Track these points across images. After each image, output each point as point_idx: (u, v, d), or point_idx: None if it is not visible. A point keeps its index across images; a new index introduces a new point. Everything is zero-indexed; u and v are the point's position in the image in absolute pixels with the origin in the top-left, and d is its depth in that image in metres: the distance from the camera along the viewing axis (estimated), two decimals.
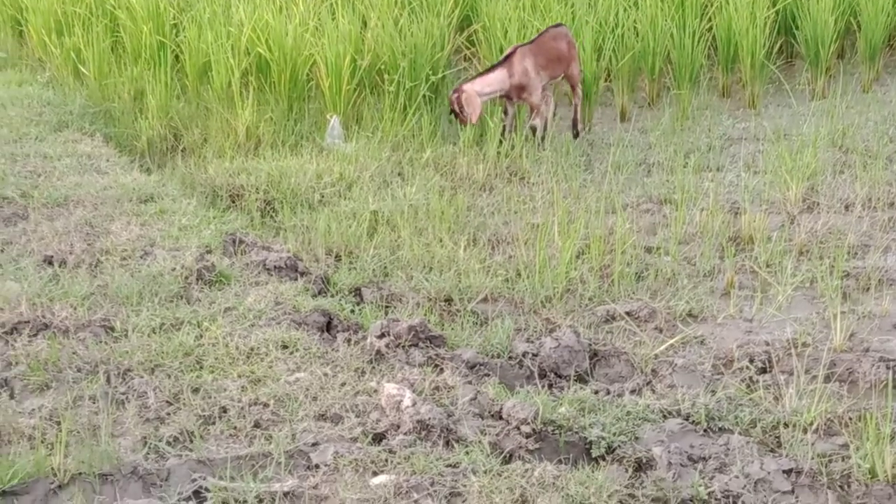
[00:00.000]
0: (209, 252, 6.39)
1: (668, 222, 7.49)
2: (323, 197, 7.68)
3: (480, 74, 9.13)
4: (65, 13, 11.37)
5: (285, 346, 5.28)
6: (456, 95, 8.88)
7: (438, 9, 10.40)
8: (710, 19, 10.77)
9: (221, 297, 5.82)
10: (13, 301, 5.60)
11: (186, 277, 5.98)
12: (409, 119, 9.10)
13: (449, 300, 6.28)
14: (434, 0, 10.64)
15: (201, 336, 5.34)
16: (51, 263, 6.19)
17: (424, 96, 9.44)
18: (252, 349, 5.22)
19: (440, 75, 9.69)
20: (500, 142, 8.74)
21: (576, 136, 9.62)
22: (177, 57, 10.23)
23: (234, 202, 7.65)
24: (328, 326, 5.68)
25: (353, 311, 5.97)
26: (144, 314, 5.55)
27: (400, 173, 8.27)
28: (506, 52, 9.29)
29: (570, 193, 7.91)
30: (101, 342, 5.29)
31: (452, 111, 8.97)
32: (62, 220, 6.80)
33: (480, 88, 8.96)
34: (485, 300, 6.26)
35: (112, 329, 5.43)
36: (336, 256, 6.84)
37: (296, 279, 6.24)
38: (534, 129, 9.26)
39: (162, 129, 8.97)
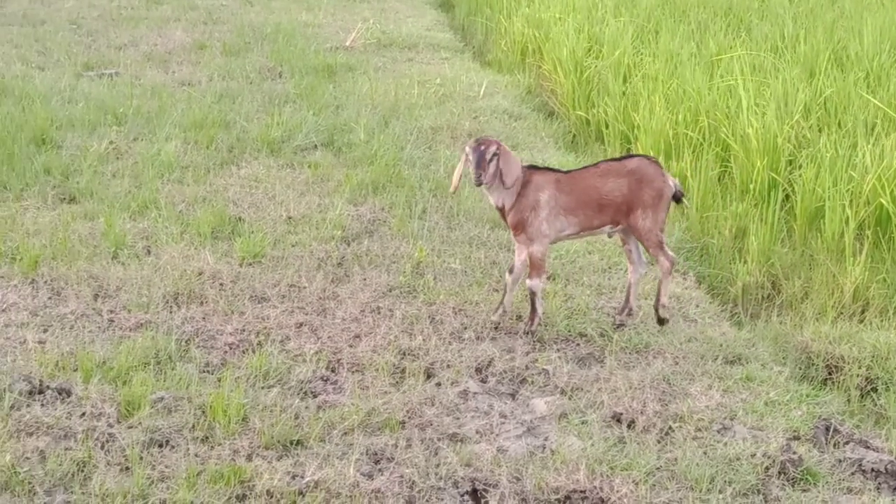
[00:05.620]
0: (796, 439, 5.52)
1: None
2: None
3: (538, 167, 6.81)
4: (675, 135, 10.90)
5: None
6: (496, 145, 6.39)
7: None
8: None
9: (805, 502, 4.94)
10: (572, 464, 5.07)
11: (767, 469, 5.17)
12: None
13: None
14: None
15: None
16: (619, 421, 5.62)
17: None
18: None
19: None
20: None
21: (660, 321, 6.85)
22: (787, 197, 9.43)
23: (830, 375, 6.71)
24: None
25: None
26: None
27: None
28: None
29: None
30: None
31: (480, 156, 6.34)
32: (638, 371, 6.21)
33: (517, 162, 6.54)
34: None
35: None
36: None
37: None
38: (532, 295, 6.67)
39: (760, 276, 8.16)
